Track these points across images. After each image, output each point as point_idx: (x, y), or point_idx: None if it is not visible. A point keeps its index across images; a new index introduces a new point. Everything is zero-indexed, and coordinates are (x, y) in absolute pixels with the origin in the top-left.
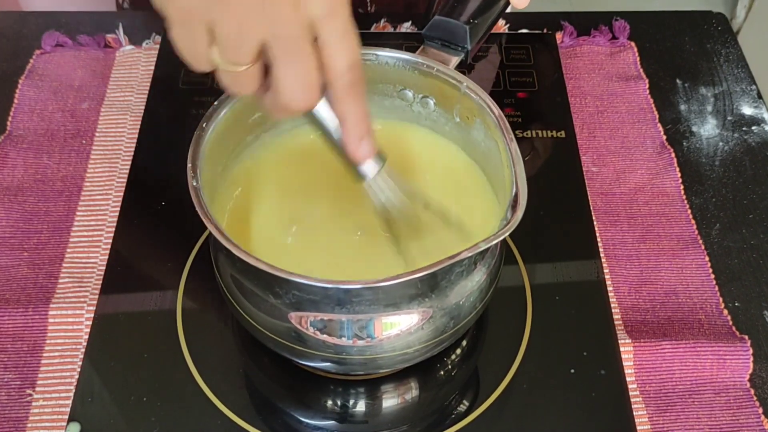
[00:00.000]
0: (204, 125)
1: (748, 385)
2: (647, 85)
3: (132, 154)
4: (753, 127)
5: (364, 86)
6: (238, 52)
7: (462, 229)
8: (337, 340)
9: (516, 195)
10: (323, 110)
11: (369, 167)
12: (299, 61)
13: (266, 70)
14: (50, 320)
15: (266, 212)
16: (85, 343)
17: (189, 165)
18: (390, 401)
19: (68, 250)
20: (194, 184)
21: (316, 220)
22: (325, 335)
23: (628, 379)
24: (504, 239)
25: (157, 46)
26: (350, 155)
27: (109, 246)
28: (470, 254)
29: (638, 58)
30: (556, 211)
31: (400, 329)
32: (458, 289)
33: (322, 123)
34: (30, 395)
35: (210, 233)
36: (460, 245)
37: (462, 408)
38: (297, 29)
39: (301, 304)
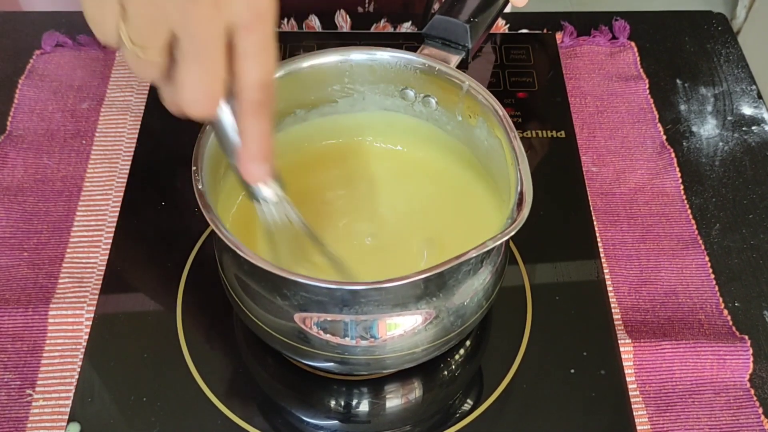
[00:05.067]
0: (207, 127)
1: (748, 385)
2: (647, 85)
3: (132, 154)
4: (753, 127)
5: (272, 108)
6: (146, 37)
7: (344, 272)
8: (342, 341)
9: (521, 193)
10: (226, 119)
11: (263, 190)
12: (206, 65)
13: (173, 63)
14: (50, 320)
15: None
16: (85, 343)
17: (193, 168)
18: (393, 401)
19: (68, 250)
20: (199, 187)
21: (320, 223)
22: (329, 335)
23: (628, 379)
24: None
25: None
26: (242, 174)
27: (109, 246)
28: (477, 253)
29: (638, 58)
30: (556, 211)
31: (405, 329)
32: (465, 288)
33: (221, 133)
34: (30, 395)
35: (215, 234)
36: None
37: (463, 408)
38: (211, 30)
39: (309, 305)
